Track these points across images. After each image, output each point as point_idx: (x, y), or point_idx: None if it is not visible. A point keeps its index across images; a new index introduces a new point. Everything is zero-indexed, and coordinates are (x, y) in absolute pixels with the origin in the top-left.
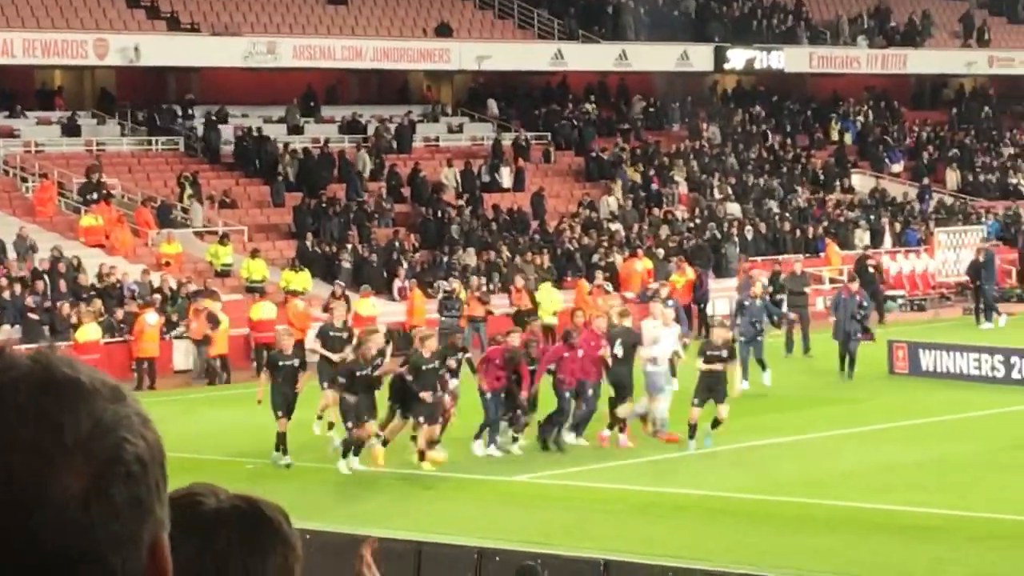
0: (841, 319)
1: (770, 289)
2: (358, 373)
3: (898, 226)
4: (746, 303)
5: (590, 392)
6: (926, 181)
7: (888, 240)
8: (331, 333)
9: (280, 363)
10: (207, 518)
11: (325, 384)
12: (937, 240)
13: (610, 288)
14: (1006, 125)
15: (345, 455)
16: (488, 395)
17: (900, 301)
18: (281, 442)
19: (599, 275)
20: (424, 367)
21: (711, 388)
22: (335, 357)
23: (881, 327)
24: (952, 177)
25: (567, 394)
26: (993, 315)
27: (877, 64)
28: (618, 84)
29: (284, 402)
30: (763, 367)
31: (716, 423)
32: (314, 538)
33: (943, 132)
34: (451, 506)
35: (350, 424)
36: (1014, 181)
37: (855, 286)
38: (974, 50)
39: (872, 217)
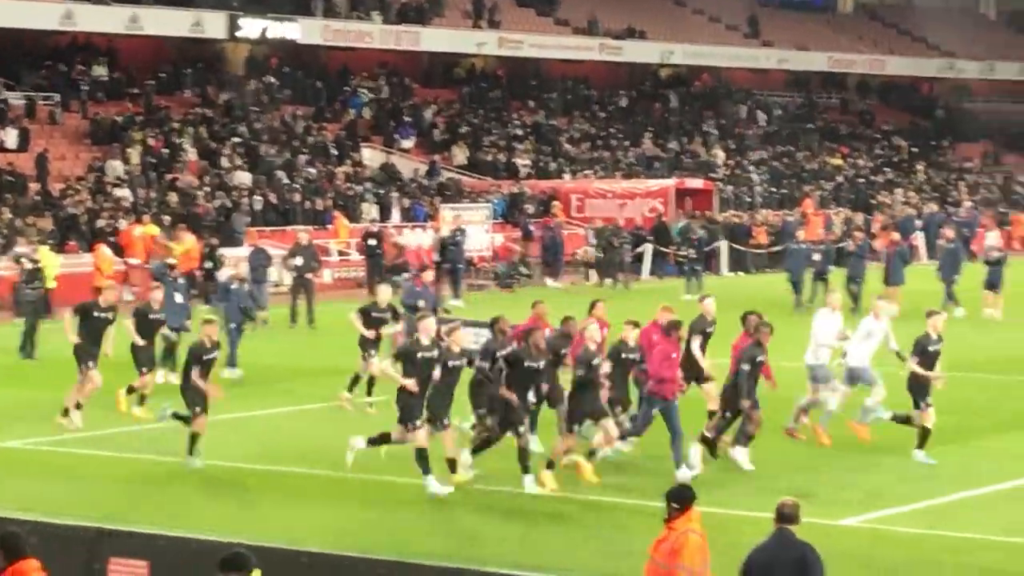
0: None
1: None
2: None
3: (406, 201)
4: (232, 286)
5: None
6: (435, 158)
7: (396, 215)
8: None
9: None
10: None
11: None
12: (443, 216)
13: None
14: (514, 106)
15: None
16: None
17: (405, 276)
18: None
19: (21, 241)
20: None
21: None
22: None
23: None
24: (461, 155)
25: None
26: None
27: (391, 40)
28: (129, 47)
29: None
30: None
31: None
32: None
33: (453, 110)
34: None
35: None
36: (520, 161)
37: (429, 276)
38: (485, 31)
39: (381, 192)
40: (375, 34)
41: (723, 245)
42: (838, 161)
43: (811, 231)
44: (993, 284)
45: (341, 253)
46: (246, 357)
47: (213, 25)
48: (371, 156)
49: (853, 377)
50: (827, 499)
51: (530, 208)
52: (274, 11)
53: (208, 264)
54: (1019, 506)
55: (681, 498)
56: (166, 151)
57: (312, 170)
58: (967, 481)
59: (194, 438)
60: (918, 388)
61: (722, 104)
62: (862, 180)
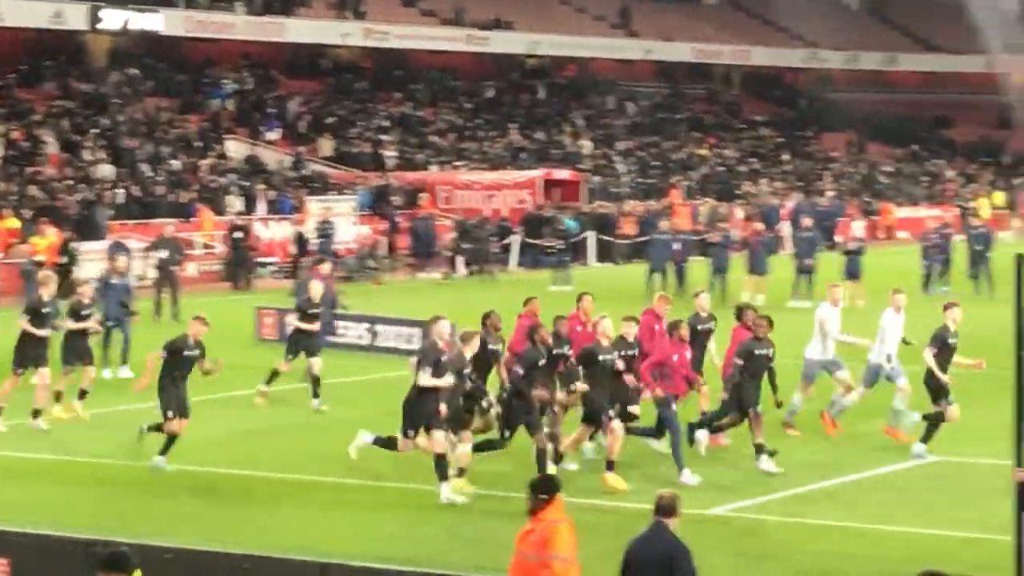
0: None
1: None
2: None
3: (272, 193)
4: (112, 281)
5: None
6: (301, 149)
7: (261, 207)
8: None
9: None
10: None
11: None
12: (309, 209)
13: None
14: (380, 98)
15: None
16: None
17: (271, 268)
18: None
19: None
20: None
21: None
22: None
23: (250, 294)
24: (327, 146)
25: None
26: None
27: (254, 31)
28: None
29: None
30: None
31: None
32: None
33: (319, 102)
34: None
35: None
36: (386, 153)
37: (326, 269)
38: (350, 21)
39: (246, 184)
40: (239, 25)
41: (591, 236)
42: (704, 151)
43: (678, 221)
44: (852, 273)
45: (206, 246)
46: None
47: (74, 16)
48: (235, 148)
49: (893, 375)
50: (694, 488)
51: (397, 200)
52: (136, 2)
53: (63, 259)
54: (877, 494)
55: (547, 488)
56: (27, 144)
57: (176, 162)
58: (830, 470)
59: (171, 439)
60: (935, 385)
61: (589, 95)
62: (723, 169)
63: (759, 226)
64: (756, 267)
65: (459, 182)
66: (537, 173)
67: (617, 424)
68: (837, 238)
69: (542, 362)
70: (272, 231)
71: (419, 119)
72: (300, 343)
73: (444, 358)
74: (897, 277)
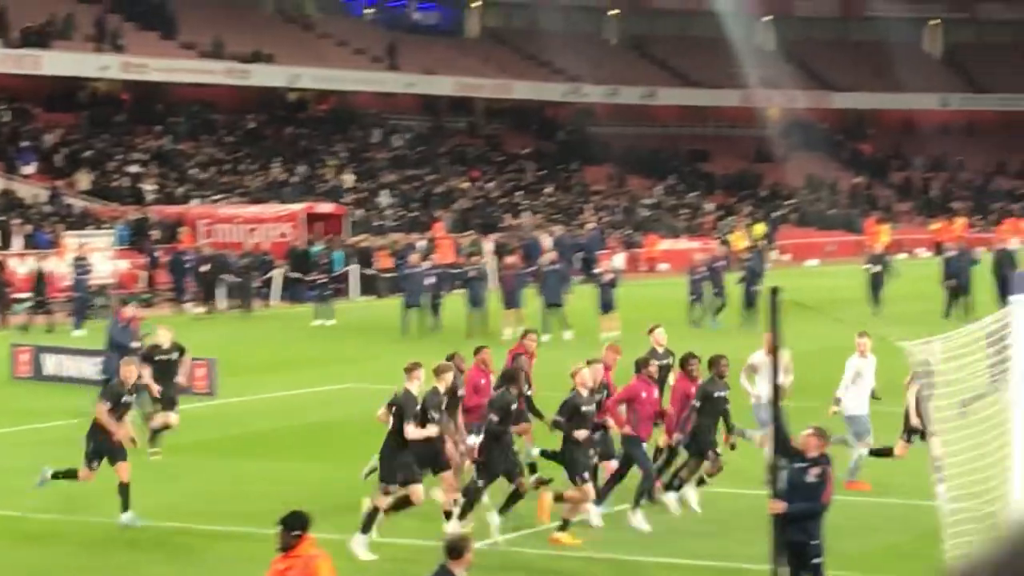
0: None
1: None
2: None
3: (29, 228)
4: None
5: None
6: (58, 183)
7: (18, 243)
8: None
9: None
10: None
11: None
12: (66, 244)
13: None
14: (139, 131)
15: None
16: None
17: (27, 304)
18: None
19: None
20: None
21: None
22: None
23: (5, 330)
24: (85, 180)
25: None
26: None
27: (10, 64)
28: None
29: None
30: None
31: None
32: None
33: (77, 135)
34: None
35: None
36: (145, 187)
37: (130, 311)
38: (108, 54)
39: (2, 219)
40: None
41: (353, 269)
42: (466, 184)
43: (441, 254)
44: (606, 305)
45: None
46: None
47: None
48: None
49: (852, 427)
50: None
51: (156, 234)
52: None
53: None
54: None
55: (300, 524)
56: None
57: None
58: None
59: (123, 489)
60: (908, 424)
61: (352, 128)
62: (485, 201)
63: (511, 260)
64: (510, 301)
65: (219, 216)
66: (299, 207)
67: (589, 487)
68: (596, 270)
69: (515, 406)
70: (28, 267)
71: (179, 152)
72: (163, 393)
73: (419, 407)
74: (657, 309)
